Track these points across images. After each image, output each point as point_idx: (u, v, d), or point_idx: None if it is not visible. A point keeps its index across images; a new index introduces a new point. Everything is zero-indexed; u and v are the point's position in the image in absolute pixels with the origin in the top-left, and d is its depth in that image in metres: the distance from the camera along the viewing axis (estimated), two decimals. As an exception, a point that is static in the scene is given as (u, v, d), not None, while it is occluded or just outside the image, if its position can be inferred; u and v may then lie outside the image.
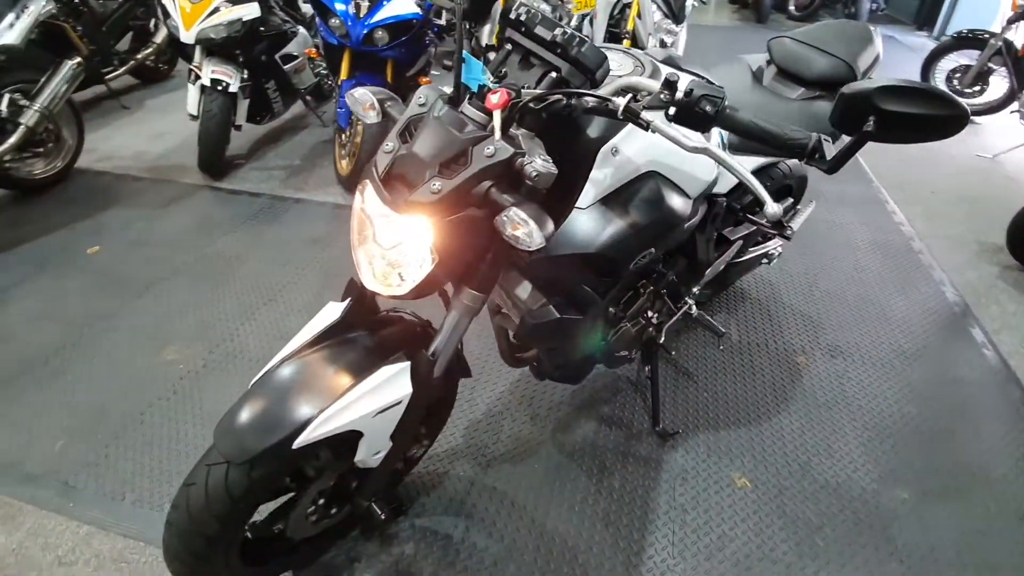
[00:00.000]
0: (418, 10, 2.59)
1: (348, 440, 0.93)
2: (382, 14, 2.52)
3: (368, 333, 0.98)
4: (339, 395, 0.89)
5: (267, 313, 2.08)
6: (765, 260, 1.89)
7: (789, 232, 1.64)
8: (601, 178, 0.93)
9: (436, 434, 1.40)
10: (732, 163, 0.79)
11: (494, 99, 0.79)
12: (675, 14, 2.65)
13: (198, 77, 2.81)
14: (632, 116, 0.78)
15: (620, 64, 1.00)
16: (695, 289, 1.56)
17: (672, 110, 0.78)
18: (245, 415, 0.87)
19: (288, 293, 2.19)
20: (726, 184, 1.33)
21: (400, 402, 0.94)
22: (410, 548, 1.34)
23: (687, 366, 1.87)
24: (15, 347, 1.92)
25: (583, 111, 0.84)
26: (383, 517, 1.13)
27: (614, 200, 0.95)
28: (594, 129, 0.94)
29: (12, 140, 2.63)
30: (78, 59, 2.86)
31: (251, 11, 2.74)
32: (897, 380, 1.84)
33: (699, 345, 1.94)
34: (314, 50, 3.13)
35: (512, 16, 0.89)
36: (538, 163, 0.78)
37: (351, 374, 0.91)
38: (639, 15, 2.69)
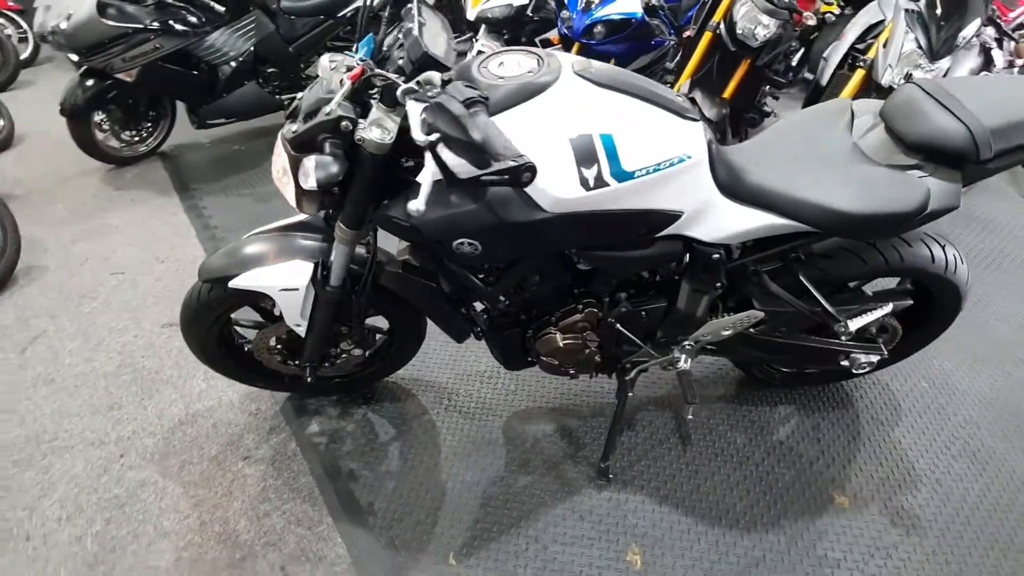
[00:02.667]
0: (638, 10, 2.65)
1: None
2: (603, 11, 2.68)
3: (311, 236, 1.32)
4: (261, 265, 1.26)
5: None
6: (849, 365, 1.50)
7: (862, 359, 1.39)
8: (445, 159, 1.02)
9: (397, 360, 1.68)
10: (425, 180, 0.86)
11: (351, 72, 1.00)
12: (933, 50, 2.04)
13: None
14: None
15: (518, 65, 1.03)
16: (687, 343, 1.40)
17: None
18: (216, 256, 1.32)
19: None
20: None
21: (297, 289, 1.26)
22: (348, 444, 1.69)
23: (664, 419, 1.66)
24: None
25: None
26: (308, 379, 1.48)
27: (456, 187, 1.02)
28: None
29: (350, 73, 3.75)
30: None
31: (520, -2, 3.22)
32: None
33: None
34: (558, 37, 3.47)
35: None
36: (370, 132, 0.96)
37: (276, 256, 1.27)
38: (885, 43, 2.17)
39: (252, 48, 3.31)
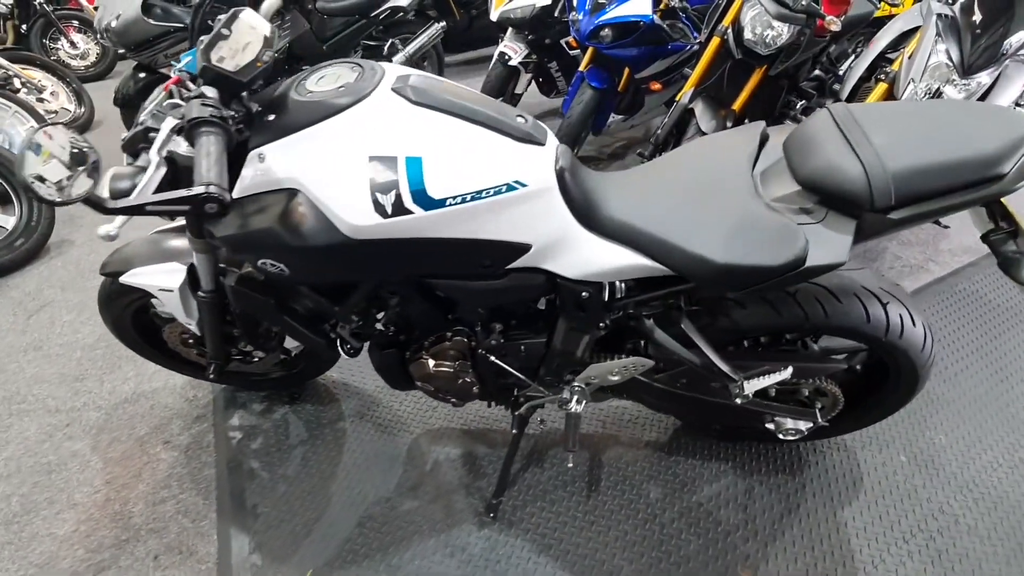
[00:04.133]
0: (648, 13, 2.46)
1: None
2: (611, 13, 2.51)
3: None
4: (145, 264, 1.30)
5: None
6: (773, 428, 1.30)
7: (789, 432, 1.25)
8: (245, 178, 0.97)
9: (316, 365, 1.68)
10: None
11: (167, 83, 0.98)
12: (965, 63, 1.69)
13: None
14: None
15: (336, 79, 0.96)
16: (576, 384, 1.27)
17: None
18: (117, 251, 1.38)
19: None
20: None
21: (172, 291, 1.28)
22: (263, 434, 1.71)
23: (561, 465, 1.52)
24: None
25: None
26: (210, 376, 1.51)
27: (250, 202, 0.97)
28: (255, 133, 0.96)
29: (382, 72, 3.82)
30: (444, 23, 3.84)
31: (544, -1, 3.11)
32: None
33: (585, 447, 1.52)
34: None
35: None
36: (178, 144, 0.94)
37: (159, 257, 1.30)
38: (911, 55, 1.84)
39: (288, 46, 3.46)
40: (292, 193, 0.94)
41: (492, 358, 1.24)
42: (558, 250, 1.03)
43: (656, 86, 2.75)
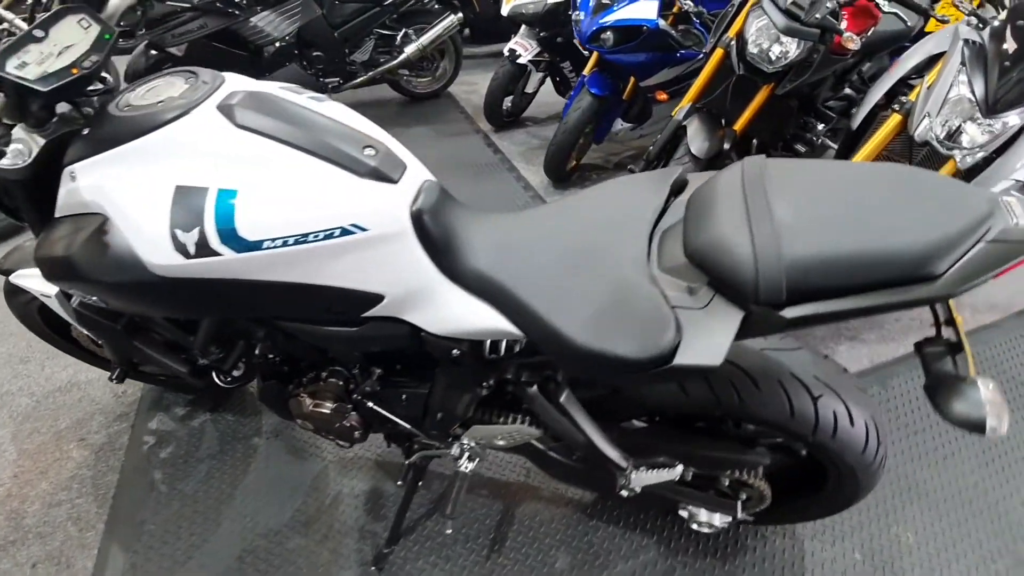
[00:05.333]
0: (653, 17, 2.25)
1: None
2: (613, 16, 2.32)
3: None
4: (30, 266, 1.24)
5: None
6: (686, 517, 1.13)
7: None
8: (60, 197, 0.87)
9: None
10: None
11: None
12: (989, 99, 1.41)
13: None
14: None
15: (164, 90, 0.84)
16: (464, 442, 1.13)
17: None
18: (15, 249, 1.32)
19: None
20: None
21: (49, 298, 1.21)
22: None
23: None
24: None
25: None
26: (112, 378, 1.44)
27: (60, 225, 0.87)
28: (72, 148, 0.85)
29: (394, 63, 3.72)
30: (460, 16, 3.69)
31: (555, -6, 2.93)
32: None
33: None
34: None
35: None
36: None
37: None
38: (931, 84, 1.57)
39: (296, 31, 3.40)
40: (100, 219, 0.83)
41: (370, 404, 1.11)
42: (418, 302, 0.89)
43: (662, 96, 2.53)
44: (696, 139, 2.01)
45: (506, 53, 3.20)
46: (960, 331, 0.71)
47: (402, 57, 3.69)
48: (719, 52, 2.00)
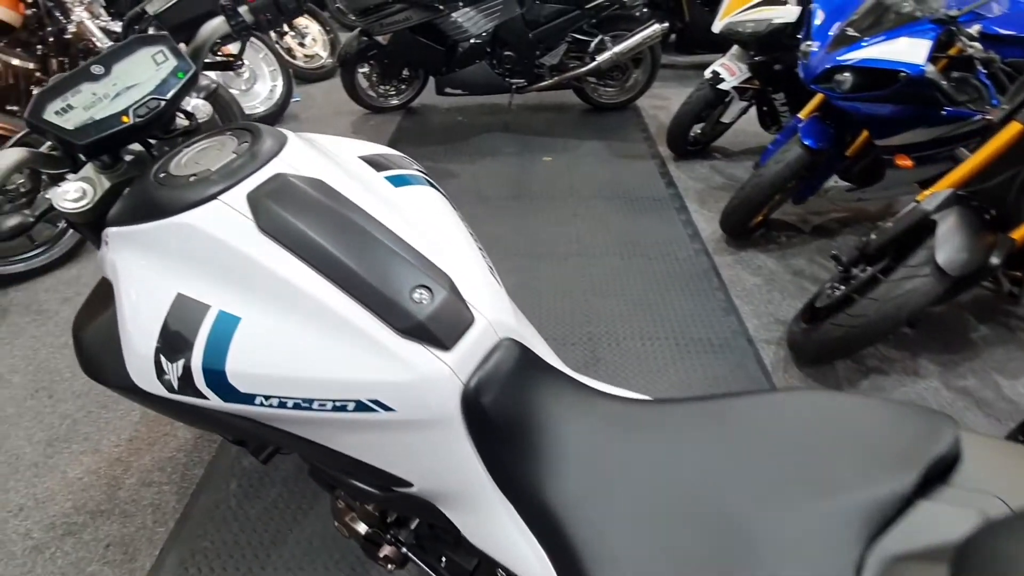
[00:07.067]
0: (919, 62, 1.66)
1: None
2: (862, 53, 1.77)
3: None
4: None
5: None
6: None
7: None
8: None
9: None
10: None
11: None
12: None
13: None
14: None
15: (213, 154, 0.65)
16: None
17: None
18: None
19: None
20: None
21: None
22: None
23: None
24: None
25: None
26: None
27: (96, 293, 0.76)
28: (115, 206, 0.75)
29: (583, 69, 3.47)
30: (665, 25, 3.30)
31: (785, 15, 2.41)
32: None
33: None
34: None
35: None
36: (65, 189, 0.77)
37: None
38: None
39: (493, 28, 3.32)
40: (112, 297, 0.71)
41: (405, 550, 0.91)
42: (458, 502, 0.64)
43: (905, 162, 1.92)
44: (948, 243, 1.44)
45: (707, 75, 2.76)
46: None
47: (593, 64, 3.43)
48: (1017, 127, 1.40)
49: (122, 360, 0.65)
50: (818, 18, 2.01)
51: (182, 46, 0.82)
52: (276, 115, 3.74)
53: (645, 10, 3.44)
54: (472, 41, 3.35)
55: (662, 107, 3.99)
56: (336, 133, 3.27)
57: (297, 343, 0.57)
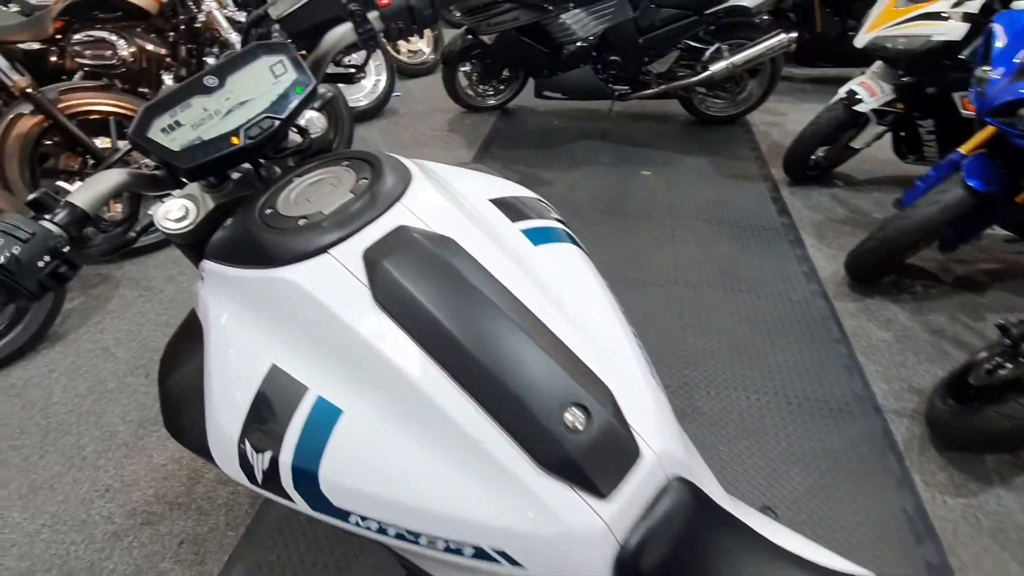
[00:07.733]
0: None
1: None
2: (1063, 84, 1.47)
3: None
4: None
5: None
6: None
7: None
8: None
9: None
10: None
11: None
12: None
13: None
14: None
15: (330, 188, 0.55)
16: None
17: None
18: None
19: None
20: None
21: None
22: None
23: None
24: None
25: None
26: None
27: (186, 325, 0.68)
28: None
29: (693, 79, 3.24)
30: (794, 35, 3.00)
31: (948, 31, 2.09)
32: None
33: None
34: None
35: None
36: (168, 208, 0.71)
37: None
38: None
39: (602, 32, 3.17)
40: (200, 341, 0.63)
41: None
42: None
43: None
44: None
45: (842, 94, 2.47)
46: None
47: (705, 75, 3.19)
48: None
49: (204, 428, 0.58)
50: (1000, 40, 1.70)
51: (303, 53, 0.75)
52: (377, 109, 3.78)
53: (766, 18, 3.16)
54: (579, 44, 3.20)
55: (775, 123, 3.67)
56: (432, 129, 3.28)
57: (410, 459, 0.46)
